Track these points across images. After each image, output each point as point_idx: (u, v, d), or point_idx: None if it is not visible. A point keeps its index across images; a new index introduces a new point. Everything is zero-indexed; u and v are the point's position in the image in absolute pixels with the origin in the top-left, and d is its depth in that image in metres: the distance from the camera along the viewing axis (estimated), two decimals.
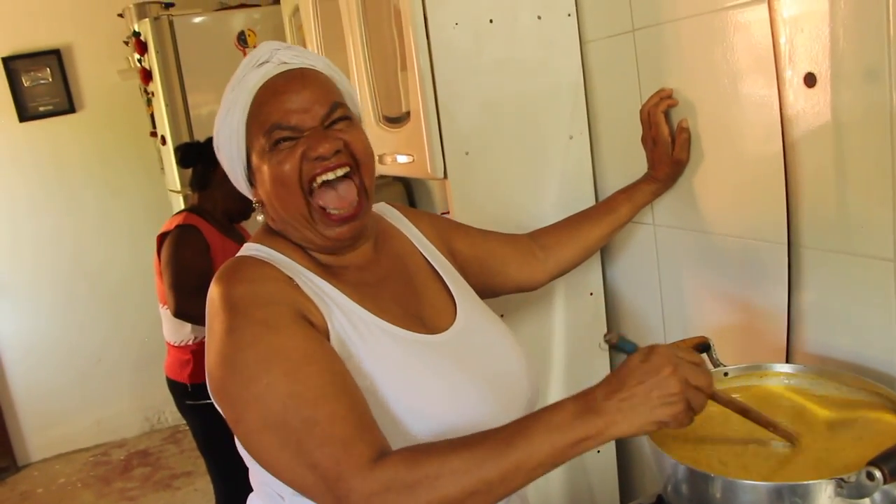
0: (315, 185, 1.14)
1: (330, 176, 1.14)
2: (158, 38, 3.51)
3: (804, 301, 1.34)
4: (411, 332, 1.16)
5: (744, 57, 1.34)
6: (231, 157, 1.18)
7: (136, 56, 3.72)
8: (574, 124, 1.78)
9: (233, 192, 2.60)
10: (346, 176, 1.16)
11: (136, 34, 3.68)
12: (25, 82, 4.43)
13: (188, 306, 2.50)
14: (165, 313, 2.68)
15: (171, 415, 4.73)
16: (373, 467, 0.92)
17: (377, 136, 1.93)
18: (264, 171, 1.15)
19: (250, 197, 1.23)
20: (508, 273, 1.48)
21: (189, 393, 2.64)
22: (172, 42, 3.43)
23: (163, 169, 4.15)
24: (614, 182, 1.76)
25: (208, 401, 2.71)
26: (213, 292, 1.09)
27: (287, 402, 0.97)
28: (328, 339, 1.08)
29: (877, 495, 0.92)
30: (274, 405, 0.98)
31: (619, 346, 1.04)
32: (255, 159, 1.16)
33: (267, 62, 1.15)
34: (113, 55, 4.34)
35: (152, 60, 3.54)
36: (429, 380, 1.06)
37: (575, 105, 1.77)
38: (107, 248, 4.67)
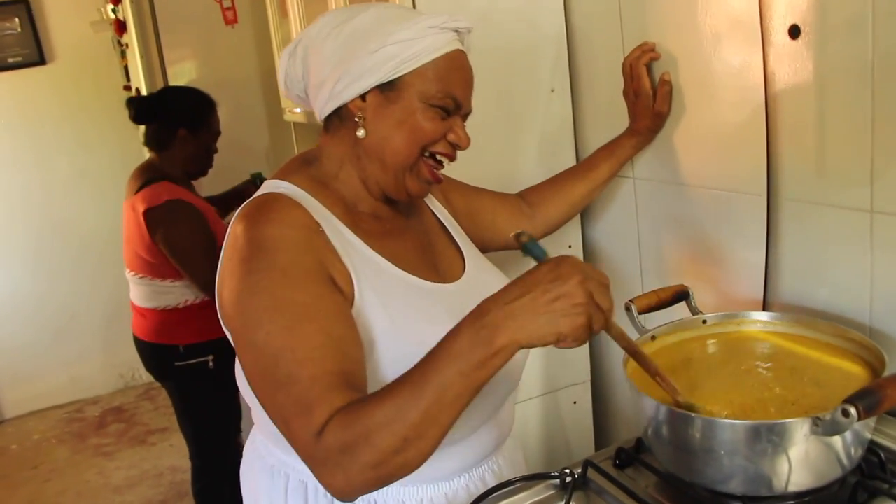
0: (427, 154, 1.21)
1: (445, 162, 1.23)
2: None
3: (782, 252, 1.36)
4: (428, 282, 1.22)
5: (728, 9, 1.35)
6: (379, 68, 1.14)
7: (111, 6, 3.65)
8: (556, 77, 1.78)
9: (194, 154, 2.60)
10: None
11: None
12: None
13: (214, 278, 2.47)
14: (137, 281, 2.62)
15: (145, 372, 4.69)
16: (321, 434, 0.93)
17: None
18: (405, 112, 1.16)
19: (346, 102, 1.18)
20: (498, 228, 1.50)
21: (181, 354, 2.60)
22: None
23: None
24: (595, 135, 1.77)
25: (198, 359, 2.68)
26: (238, 229, 1.10)
27: (279, 355, 0.99)
28: (352, 294, 1.10)
29: (848, 434, 0.95)
30: (267, 353, 1.00)
31: (527, 246, 0.99)
32: (405, 93, 1.16)
33: (464, 32, 1.21)
34: (83, 6, 4.26)
35: (127, 11, 3.48)
36: (445, 325, 1.08)
37: (557, 58, 1.77)
38: (79, 203, 4.62)
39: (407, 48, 1.14)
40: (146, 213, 2.46)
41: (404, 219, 1.31)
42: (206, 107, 2.64)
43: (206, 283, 2.49)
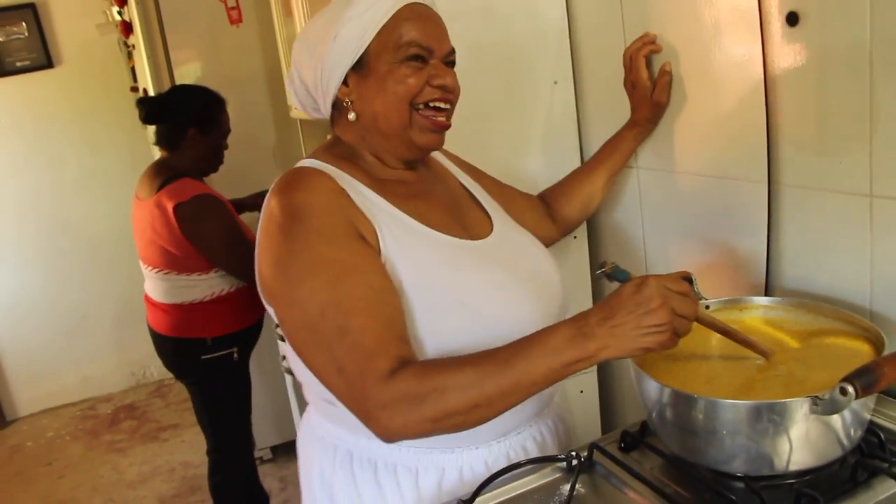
0: (421, 106, 1.24)
1: (442, 105, 1.25)
2: None
3: (783, 238, 1.38)
4: (456, 238, 1.26)
5: None
6: (343, 52, 1.22)
7: (116, 9, 3.68)
8: (559, 69, 1.80)
9: (205, 152, 2.63)
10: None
11: None
12: (0, 37, 4.36)
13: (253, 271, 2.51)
14: (160, 277, 2.64)
15: (157, 369, 4.77)
16: (389, 379, 1.01)
17: None
18: (380, 81, 1.21)
19: (338, 79, 1.24)
20: (525, 224, 1.50)
21: (208, 347, 2.63)
22: None
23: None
24: (599, 126, 1.79)
25: (224, 351, 2.73)
26: (273, 202, 1.18)
27: (325, 309, 1.07)
28: (378, 247, 1.16)
29: (847, 413, 0.97)
30: (313, 309, 1.08)
31: (612, 274, 1.09)
32: (373, 63, 1.21)
33: None
34: (89, 9, 4.29)
35: (132, 13, 3.50)
36: (475, 276, 1.20)
37: (560, 50, 1.79)
38: (89, 203, 4.66)
39: (358, 24, 1.19)
40: (176, 209, 2.48)
41: (430, 183, 1.36)
42: (215, 105, 2.66)
43: (243, 270, 2.55)
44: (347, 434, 1.28)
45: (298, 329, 1.11)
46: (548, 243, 1.58)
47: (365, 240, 1.15)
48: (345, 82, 1.24)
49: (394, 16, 1.20)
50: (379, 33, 1.20)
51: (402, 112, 1.23)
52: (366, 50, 1.21)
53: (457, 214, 1.34)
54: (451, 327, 1.18)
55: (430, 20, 1.24)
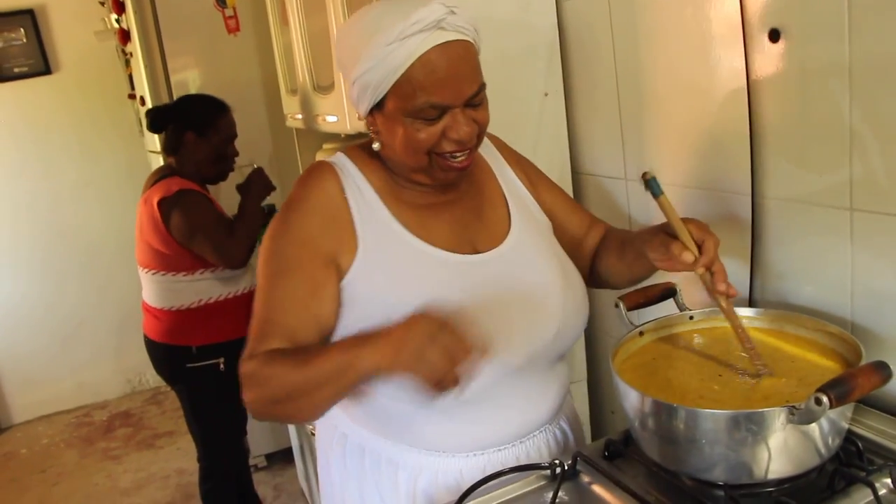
0: (438, 153, 1.21)
1: (459, 157, 1.22)
2: None
3: (767, 250, 1.40)
4: (451, 253, 1.27)
5: (713, 15, 1.39)
6: (361, 97, 1.21)
7: (114, 16, 3.70)
8: (549, 82, 1.82)
9: (206, 156, 2.65)
10: None
11: None
12: None
13: (236, 251, 2.55)
14: (151, 279, 2.68)
15: (152, 377, 4.77)
16: (248, 359, 1.18)
17: None
18: (398, 128, 1.19)
19: (363, 113, 1.25)
20: (562, 240, 1.45)
21: (193, 356, 2.66)
22: (150, 1, 3.41)
23: (142, 130, 4.14)
24: (589, 138, 1.81)
25: (209, 361, 2.76)
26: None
27: (262, 289, 1.25)
28: (352, 254, 1.24)
29: (824, 423, 0.99)
30: (259, 284, 1.26)
31: (648, 183, 1.17)
32: (391, 108, 1.19)
33: (439, 27, 1.14)
34: (87, 15, 4.30)
35: (130, 21, 3.52)
36: (450, 295, 1.21)
37: (550, 62, 1.81)
38: (85, 210, 4.68)
39: (373, 75, 1.16)
40: (160, 203, 2.54)
41: (452, 192, 1.33)
42: (214, 110, 2.69)
43: (235, 258, 2.57)
44: (357, 426, 1.37)
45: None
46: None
47: (333, 253, 1.23)
48: (370, 112, 1.23)
49: (413, 66, 1.14)
50: (395, 85, 1.16)
51: (419, 159, 1.21)
52: (385, 95, 1.18)
53: (470, 227, 1.32)
54: None
55: (453, 66, 1.15)
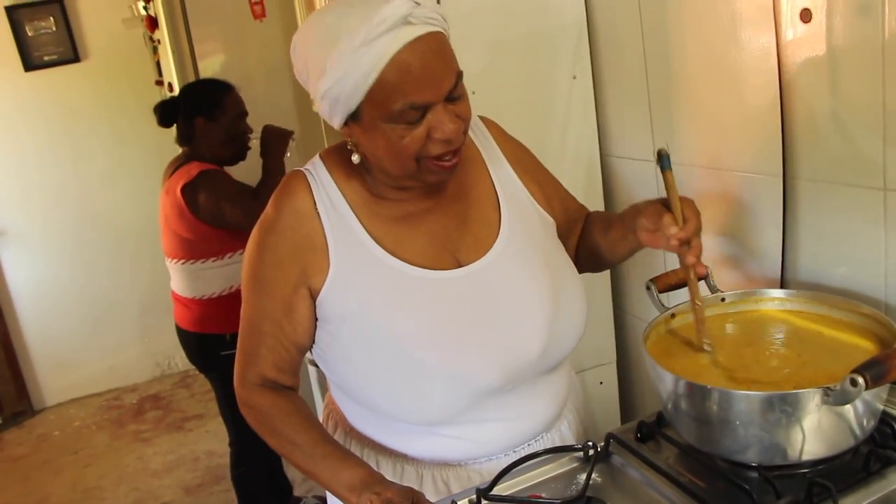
0: (425, 156, 1.14)
1: (448, 159, 1.15)
2: None
3: (799, 231, 1.39)
4: (425, 270, 1.21)
5: None
6: (332, 111, 1.13)
7: (142, 4, 3.73)
8: (577, 64, 1.82)
9: (219, 138, 2.66)
10: None
11: None
12: (29, 32, 4.43)
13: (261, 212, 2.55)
14: (180, 269, 2.70)
15: (181, 360, 4.82)
16: (253, 390, 1.30)
17: None
18: (379, 138, 1.12)
19: (338, 128, 1.17)
20: (561, 230, 1.41)
21: (226, 343, 2.67)
22: None
23: None
24: (618, 121, 1.80)
25: None
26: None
27: (244, 310, 1.30)
28: (325, 272, 1.21)
29: (859, 404, 0.99)
30: (243, 305, 1.31)
31: (662, 158, 1.20)
32: (368, 117, 1.11)
33: (407, 23, 1.06)
34: (115, 4, 4.33)
35: (158, 8, 3.55)
36: (420, 314, 1.20)
37: (578, 45, 1.81)
38: (114, 195, 4.73)
39: (343, 86, 1.08)
40: (183, 189, 2.54)
41: (434, 200, 1.26)
42: (217, 91, 2.68)
43: (252, 217, 2.52)
44: (353, 417, 1.40)
45: None
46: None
47: (306, 273, 1.22)
48: (345, 123, 1.15)
49: (384, 71, 1.05)
50: (369, 92, 1.08)
51: (407, 165, 1.14)
52: (358, 106, 1.10)
53: (452, 236, 1.25)
54: (374, 363, 1.21)
55: (427, 62, 1.07)
